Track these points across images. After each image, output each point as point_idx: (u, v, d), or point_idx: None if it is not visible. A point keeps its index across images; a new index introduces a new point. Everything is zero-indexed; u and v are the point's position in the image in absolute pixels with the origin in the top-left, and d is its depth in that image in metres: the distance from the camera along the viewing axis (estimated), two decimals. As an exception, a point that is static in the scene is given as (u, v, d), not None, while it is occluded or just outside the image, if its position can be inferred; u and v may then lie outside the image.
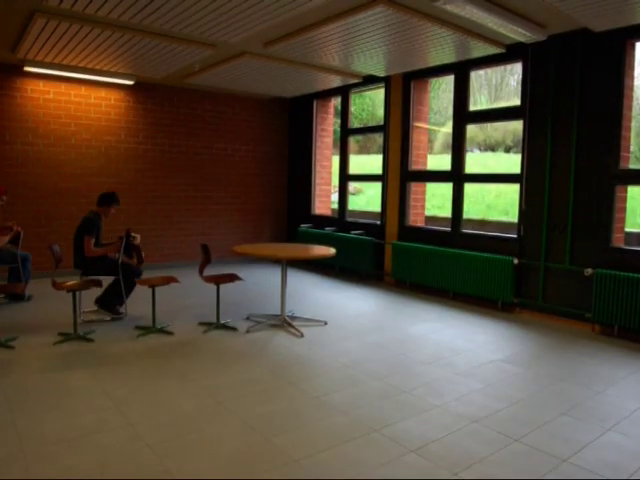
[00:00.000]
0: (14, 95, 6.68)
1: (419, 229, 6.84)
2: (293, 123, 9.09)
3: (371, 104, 16.88)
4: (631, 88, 4.82)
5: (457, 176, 6.26)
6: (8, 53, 6.01)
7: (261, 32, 4.94)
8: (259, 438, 2.77)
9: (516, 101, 5.71)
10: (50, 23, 4.70)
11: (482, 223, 10.11)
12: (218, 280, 4.84)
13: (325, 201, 8.85)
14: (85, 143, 7.24)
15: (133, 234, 4.91)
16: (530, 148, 5.48)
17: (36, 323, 4.85)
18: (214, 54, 5.81)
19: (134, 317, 5.08)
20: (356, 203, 13.39)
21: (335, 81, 7.21)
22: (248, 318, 5.17)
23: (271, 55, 5.80)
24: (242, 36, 4.94)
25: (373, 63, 6.06)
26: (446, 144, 13.47)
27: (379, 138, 9.73)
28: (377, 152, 13.89)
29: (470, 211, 11.24)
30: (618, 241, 4.93)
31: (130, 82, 7.18)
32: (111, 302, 5.09)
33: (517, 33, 4.75)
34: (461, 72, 6.12)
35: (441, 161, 11.73)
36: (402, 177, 6.94)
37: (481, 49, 5.38)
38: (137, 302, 5.31)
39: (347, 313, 5.50)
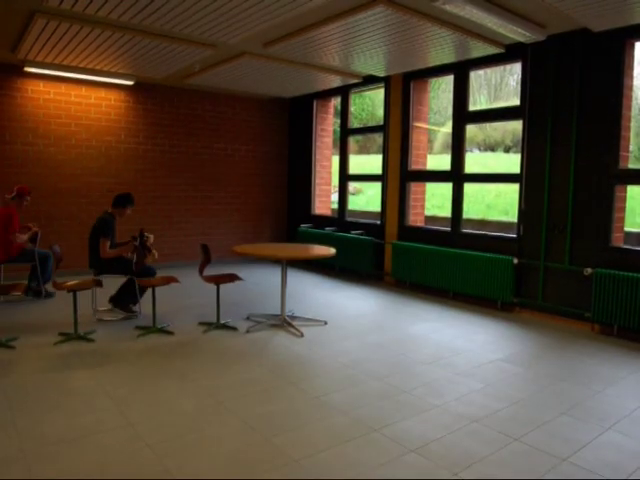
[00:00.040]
0: (14, 95, 6.68)
1: (419, 229, 6.84)
2: (293, 123, 9.09)
3: (371, 104, 16.88)
4: (630, 88, 4.83)
5: (457, 176, 6.26)
6: (8, 53, 6.01)
7: (261, 32, 4.94)
8: (259, 438, 2.77)
9: (515, 101, 5.71)
10: (50, 23, 4.71)
11: (482, 223, 10.11)
12: (218, 280, 4.84)
13: (325, 201, 8.85)
14: (85, 143, 7.24)
15: (147, 234, 4.94)
16: (529, 148, 5.48)
17: (37, 323, 4.86)
18: (214, 54, 5.81)
19: (134, 317, 5.10)
20: (356, 203, 13.39)
21: (335, 81, 7.21)
22: (248, 318, 5.17)
23: (271, 55, 5.80)
24: (242, 36, 4.95)
25: (373, 63, 6.06)
26: (446, 144, 13.48)
27: (379, 138, 9.73)
28: (377, 152, 13.88)
29: (470, 211, 11.24)
30: (618, 241, 4.93)
31: (130, 82, 7.18)
32: (125, 301, 5.15)
33: (516, 33, 4.75)
34: (461, 72, 6.12)
35: (441, 161, 11.74)
36: (402, 177, 6.94)
37: (480, 49, 5.39)
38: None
39: (347, 313, 5.51)
